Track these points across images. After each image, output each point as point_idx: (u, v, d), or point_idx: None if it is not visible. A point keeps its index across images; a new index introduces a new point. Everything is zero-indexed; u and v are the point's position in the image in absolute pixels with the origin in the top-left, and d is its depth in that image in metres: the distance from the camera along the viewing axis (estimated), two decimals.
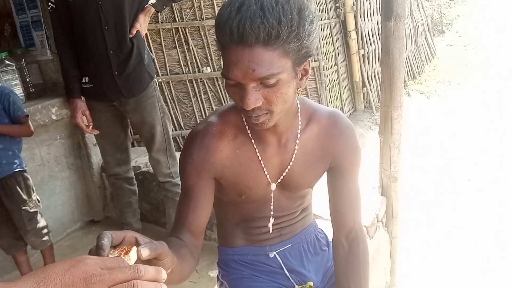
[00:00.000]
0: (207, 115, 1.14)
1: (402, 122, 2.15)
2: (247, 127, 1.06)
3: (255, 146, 1.07)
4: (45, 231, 2.34)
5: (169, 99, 3.69)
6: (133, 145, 3.32)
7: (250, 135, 1.06)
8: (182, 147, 1.13)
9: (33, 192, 2.28)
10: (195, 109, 3.78)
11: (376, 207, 2.11)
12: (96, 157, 2.86)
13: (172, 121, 3.67)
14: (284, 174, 1.11)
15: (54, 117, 2.65)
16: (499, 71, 7.95)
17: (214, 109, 1.16)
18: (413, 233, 3.07)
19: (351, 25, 5.30)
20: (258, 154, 1.07)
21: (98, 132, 2.31)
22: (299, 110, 1.08)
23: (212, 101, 3.78)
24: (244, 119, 1.06)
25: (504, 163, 4.23)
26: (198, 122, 3.74)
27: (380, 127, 2.21)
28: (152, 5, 2.22)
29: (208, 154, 1.04)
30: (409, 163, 4.21)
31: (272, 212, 1.18)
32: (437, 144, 4.89)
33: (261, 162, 1.08)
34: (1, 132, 2.10)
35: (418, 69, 7.27)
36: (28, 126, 2.18)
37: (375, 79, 5.80)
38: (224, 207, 1.21)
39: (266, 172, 1.10)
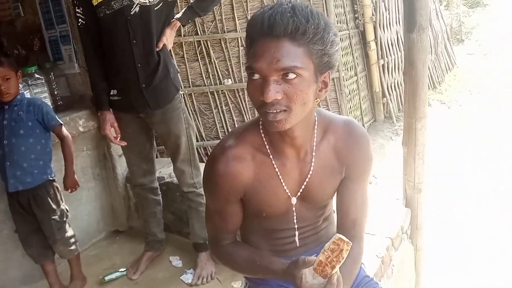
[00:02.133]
0: (224, 136, 1.17)
1: (426, 133, 2.15)
2: (266, 143, 1.09)
3: (273, 162, 1.10)
4: (72, 240, 2.38)
5: (191, 110, 3.73)
6: (156, 156, 3.37)
7: (268, 151, 1.09)
8: (204, 164, 1.17)
9: (62, 202, 2.33)
10: (216, 120, 3.82)
11: (401, 218, 2.11)
12: (121, 168, 2.91)
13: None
14: (303, 187, 1.14)
15: (81, 129, 2.72)
16: None
17: (230, 131, 1.22)
18: (438, 245, 3.03)
19: (370, 35, 5.30)
20: (277, 170, 1.10)
21: (125, 143, 2.36)
22: (316, 122, 1.10)
23: (233, 113, 3.82)
24: (262, 135, 1.09)
25: None
26: (220, 135, 3.77)
27: (403, 138, 2.21)
28: (178, 19, 2.27)
29: (231, 180, 1.09)
30: (432, 173, 4.17)
31: (296, 226, 1.20)
32: (460, 154, 4.82)
33: (280, 178, 1.11)
34: (70, 170, 2.26)
35: (438, 79, 7.21)
36: (66, 136, 2.25)
37: (395, 89, 5.76)
38: (247, 221, 1.23)
39: (285, 187, 1.13)
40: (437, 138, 5.21)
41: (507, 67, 8.60)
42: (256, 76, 0.94)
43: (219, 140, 1.17)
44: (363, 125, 5.16)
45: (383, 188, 3.66)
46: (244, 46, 1.01)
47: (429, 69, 6.75)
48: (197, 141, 3.74)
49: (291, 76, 0.91)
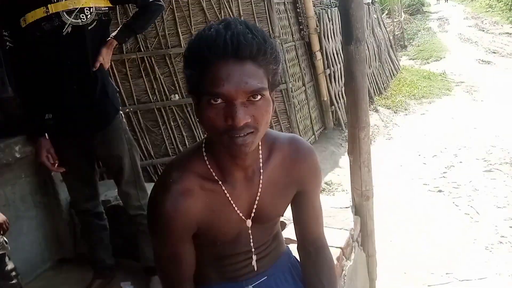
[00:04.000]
0: (164, 170, 1.09)
1: (369, 142, 2.19)
2: (211, 170, 1.04)
3: (223, 188, 1.05)
4: (13, 273, 2.23)
5: (137, 128, 3.64)
6: (102, 178, 3.25)
7: (216, 177, 1.04)
8: (148, 205, 1.08)
9: (0, 234, 2.19)
10: (165, 137, 3.75)
11: (350, 226, 2.12)
12: (63, 193, 2.76)
13: (142, 150, 3.62)
14: (254, 207, 1.11)
15: (18, 155, 2.56)
16: (461, 81, 8.26)
17: (167, 164, 1.12)
18: (390, 250, 3.10)
19: (316, 46, 5.42)
20: (228, 196, 1.06)
21: (64, 170, 2.25)
22: (260, 141, 1.09)
23: (182, 128, 3.76)
24: (207, 162, 1.04)
25: (471, 174, 4.35)
26: (170, 152, 3.68)
27: (348, 148, 2.25)
28: (114, 37, 2.20)
29: (182, 218, 1.02)
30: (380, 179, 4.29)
31: (253, 249, 1.17)
32: (408, 156, 4.99)
33: (232, 203, 1.07)
34: None
35: (383, 85, 7.47)
36: None
37: (343, 97, 5.91)
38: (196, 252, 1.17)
39: (238, 212, 1.09)
40: (384, 146, 5.38)
41: (448, 70, 9.07)
42: (219, 101, 0.88)
43: (158, 177, 1.10)
44: (314, 134, 5.25)
45: (333, 197, 3.72)
46: (186, 75, 0.93)
47: (374, 75, 7.00)
48: (146, 159, 3.66)
49: (257, 97, 0.89)
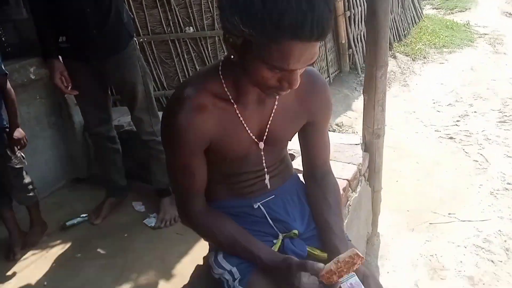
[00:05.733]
0: (179, 86, 1.11)
1: (386, 81, 2.18)
2: (226, 90, 1.06)
3: (235, 107, 1.07)
4: (30, 187, 2.35)
5: (151, 59, 3.62)
6: (115, 105, 3.29)
7: (230, 97, 1.06)
8: (162, 118, 1.10)
9: (17, 149, 2.27)
10: (178, 69, 3.73)
11: (358, 161, 2.15)
12: (77, 116, 2.83)
13: (155, 81, 3.62)
14: (266, 130, 1.14)
15: (32, 77, 2.61)
16: (485, 33, 7.97)
17: (183, 81, 1.13)
18: (395, 189, 3.14)
19: None
20: (239, 115, 1.09)
21: (77, 93, 2.28)
22: None
23: (195, 61, 3.73)
24: (223, 81, 1.05)
25: (484, 123, 4.30)
26: (179, 85, 3.68)
27: (364, 86, 2.24)
28: None
29: (195, 132, 1.04)
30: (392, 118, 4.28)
31: (265, 169, 1.21)
32: (422, 103, 4.94)
33: (243, 122, 1.10)
34: (14, 123, 2.15)
35: (404, 31, 7.24)
36: (9, 89, 2.14)
37: (361, 41, 5.76)
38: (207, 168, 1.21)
39: (249, 131, 1.12)
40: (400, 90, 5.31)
41: (474, 22, 8.73)
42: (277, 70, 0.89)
43: (174, 92, 1.11)
44: (329, 76, 5.18)
45: (343, 134, 3.72)
46: (243, 25, 0.82)
47: (395, 21, 6.77)
48: (158, 90, 3.67)
49: None
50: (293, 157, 2.17)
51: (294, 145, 1.31)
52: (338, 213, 1.22)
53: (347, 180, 2.01)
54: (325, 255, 1.14)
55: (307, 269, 0.99)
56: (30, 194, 2.35)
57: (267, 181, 1.23)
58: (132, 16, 2.33)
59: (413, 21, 7.92)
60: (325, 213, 1.20)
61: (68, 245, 2.43)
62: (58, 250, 2.40)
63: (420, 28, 7.80)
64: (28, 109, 2.71)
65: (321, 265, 0.98)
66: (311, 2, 0.79)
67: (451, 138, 4.00)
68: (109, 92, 2.50)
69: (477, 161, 3.55)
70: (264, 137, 1.14)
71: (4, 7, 2.75)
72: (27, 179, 2.34)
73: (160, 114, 2.44)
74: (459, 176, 3.33)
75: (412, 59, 6.41)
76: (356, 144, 2.30)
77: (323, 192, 1.25)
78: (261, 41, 0.84)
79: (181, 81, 3.71)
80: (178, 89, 1.09)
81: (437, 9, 10.73)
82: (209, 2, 3.59)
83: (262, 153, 1.17)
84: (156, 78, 3.67)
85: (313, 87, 1.15)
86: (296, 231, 1.21)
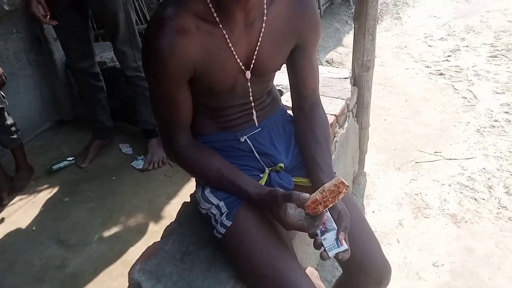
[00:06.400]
0: (160, 5, 1.00)
1: (377, 7, 2.07)
2: (212, 9, 0.98)
3: (223, 31, 1.00)
4: (13, 129, 2.29)
5: None
6: (97, 40, 3.15)
7: (216, 18, 0.98)
8: (142, 42, 1.03)
9: None
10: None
11: (346, 96, 2.10)
12: (58, 53, 2.70)
13: (137, 13, 3.45)
14: (254, 58, 1.07)
15: (6, 7, 2.45)
16: None
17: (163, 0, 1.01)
18: (383, 127, 3.15)
19: None
20: (228, 39, 1.01)
21: (56, 23, 2.15)
22: None
23: None
24: (208, 1, 0.97)
25: (475, 58, 4.25)
26: (159, 5, 3.50)
27: (355, 13, 2.13)
28: None
29: (178, 58, 0.97)
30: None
31: (252, 103, 1.17)
32: (414, 37, 4.83)
33: (231, 47, 1.02)
34: None
35: None
36: None
37: None
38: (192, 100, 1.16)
39: (237, 58, 1.05)
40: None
41: None
42: None
43: (154, 12, 1.01)
44: (319, 8, 4.99)
45: (332, 68, 3.65)
46: None
47: None
48: (141, 24, 3.51)
49: None
50: (281, 93, 2.13)
51: (282, 79, 1.26)
52: (326, 148, 1.20)
53: (334, 115, 1.97)
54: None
55: (293, 200, 0.98)
56: (14, 136, 2.29)
57: (254, 116, 1.20)
58: None
59: None
60: (313, 149, 1.19)
61: (55, 189, 2.43)
62: (45, 194, 2.39)
63: None
64: (6, 44, 2.57)
65: (306, 195, 0.97)
66: None
67: (441, 74, 3.96)
68: (91, 25, 2.37)
69: (465, 97, 3.54)
70: (251, 66, 1.08)
71: None
72: (9, 120, 2.27)
73: None
74: (447, 113, 3.33)
75: None
76: (345, 78, 2.24)
77: (311, 126, 1.22)
78: None
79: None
80: (158, 9, 1.00)
81: None
82: None
83: (249, 84, 1.12)
84: (138, 10, 3.49)
85: (301, 5, 1.09)
86: (282, 165, 1.21)
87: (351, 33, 4.21)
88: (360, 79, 2.22)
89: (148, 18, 3.56)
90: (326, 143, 1.21)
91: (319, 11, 4.87)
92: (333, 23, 4.96)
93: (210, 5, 0.97)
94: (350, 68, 2.29)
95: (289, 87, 1.27)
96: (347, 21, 5.09)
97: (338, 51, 4.45)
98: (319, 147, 1.18)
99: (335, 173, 1.20)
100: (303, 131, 1.23)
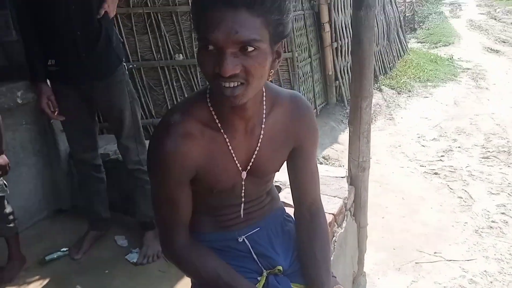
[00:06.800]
0: (167, 112, 1.08)
1: (371, 112, 2.19)
2: (215, 117, 1.04)
3: (225, 136, 1.05)
4: (11, 217, 2.26)
5: (140, 86, 3.62)
6: (102, 132, 3.25)
7: (219, 125, 1.04)
8: (148, 146, 1.08)
9: (0, 177, 2.20)
10: (166, 97, 3.73)
11: (344, 195, 2.14)
12: (63, 143, 2.77)
13: (143, 109, 3.61)
14: (252, 160, 1.11)
15: (19, 101, 2.55)
16: (468, 68, 8.19)
17: (171, 106, 1.10)
18: (381, 225, 3.14)
19: (325, 17, 5.33)
20: (229, 144, 1.06)
21: (64, 118, 2.24)
22: (264, 94, 1.08)
23: (184, 89, 3.74)
24: (211, 108, 1.03)
25: (468, 159, 4.37)
26: (166, 111, 3.67)
27: (350, 117, 2.24)
28: None
29: (182, 160, 1.01)
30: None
31: (243, 199, 1.18)
32: (407, 137, 5.00)
33: (232, 152, 1.07)
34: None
35: (389, 64, 7.40)
36: None
37: (348, 73, 5.86)
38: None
39: (236, 162, 1.09)
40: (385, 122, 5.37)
41: (457, 56, 8.97)
42: (211, 47, 0.87)
43: (161, 119, 1.08)
44: (316, 108, 5.23)
45: (329, 166, 3.73)
46: (191, 15, 0.94)
47: (381, 54, 6.92)
48: (146, 118, 3.66)
49: (250, 49, 0.86)
50: (279, 189, 2.15)
51: (280, 176, 1.29)
52: (323, 264, 1.18)
53: (333, 214, 1.99)
54: None
55: None
56: (11, 225, 2.25)
57: (241, 211, 1.20)
58: (122, 40, 2.32)
59: (399, 54, 8.11)
60: (310, 266, 1.18)
61: (46, 281, 2.33)
62: (36, 286, 2.30)
63: (405, 62, 7.99)
64: (14, 135, 2.64)
65: None
66: None
67: (435, 173, 4.04)
68: (96, 118, 2.47)
69: (461, 197, 3.59)
70: (248, 167, 1.12)
71: None
72: (8, 209, 2.25)
73: (147, 142, 2.41)
74: (444, 213, 3.35)
75: (398, 93, 6.53)
76: (342, 177, 2.29)
77: (310, 239, 1.22)
78: (196, 21, 0.90)
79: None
80: (165, 115, 1.06)
81: (421, 42, 11.05)
82: None
83: (243, 183, 1.14)
84: (144, 106, 3.66)
85: (298, 111, 1.14)
86: (280, 267, 1.19)
87: (346, 131, 4.38)
88: (356, 179, 2.27)
89: (153, 113, 3.71)
90: (324, 258, 1.20)
91: (315, 110, 5.11)
92: (328, 122, 5.16)
93: (213, 113, 1.04)
94: (346, 166, 2.36)
95: (287, 183, 1.29)
96: (342, 120, 5.31)
97: (334, 148, 4.58)
98: (315, 263, 1.18)
99: (334, 277, 1.19)
100: (302, 243, 1.23)
